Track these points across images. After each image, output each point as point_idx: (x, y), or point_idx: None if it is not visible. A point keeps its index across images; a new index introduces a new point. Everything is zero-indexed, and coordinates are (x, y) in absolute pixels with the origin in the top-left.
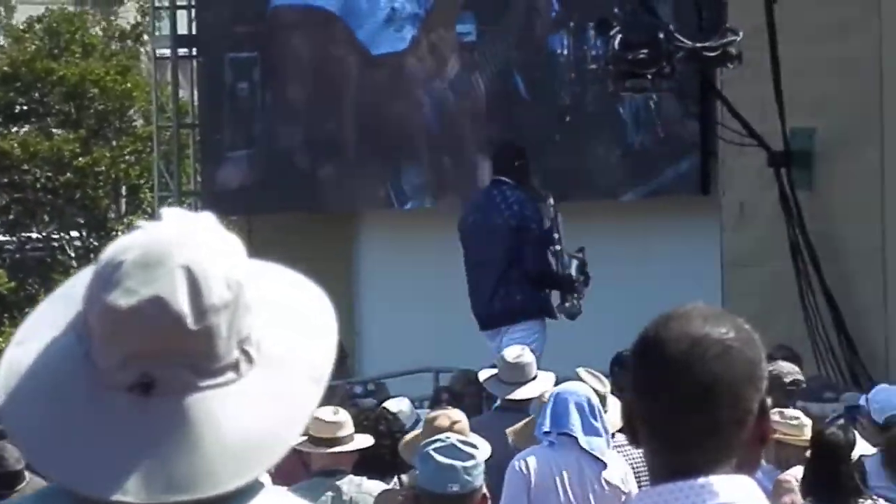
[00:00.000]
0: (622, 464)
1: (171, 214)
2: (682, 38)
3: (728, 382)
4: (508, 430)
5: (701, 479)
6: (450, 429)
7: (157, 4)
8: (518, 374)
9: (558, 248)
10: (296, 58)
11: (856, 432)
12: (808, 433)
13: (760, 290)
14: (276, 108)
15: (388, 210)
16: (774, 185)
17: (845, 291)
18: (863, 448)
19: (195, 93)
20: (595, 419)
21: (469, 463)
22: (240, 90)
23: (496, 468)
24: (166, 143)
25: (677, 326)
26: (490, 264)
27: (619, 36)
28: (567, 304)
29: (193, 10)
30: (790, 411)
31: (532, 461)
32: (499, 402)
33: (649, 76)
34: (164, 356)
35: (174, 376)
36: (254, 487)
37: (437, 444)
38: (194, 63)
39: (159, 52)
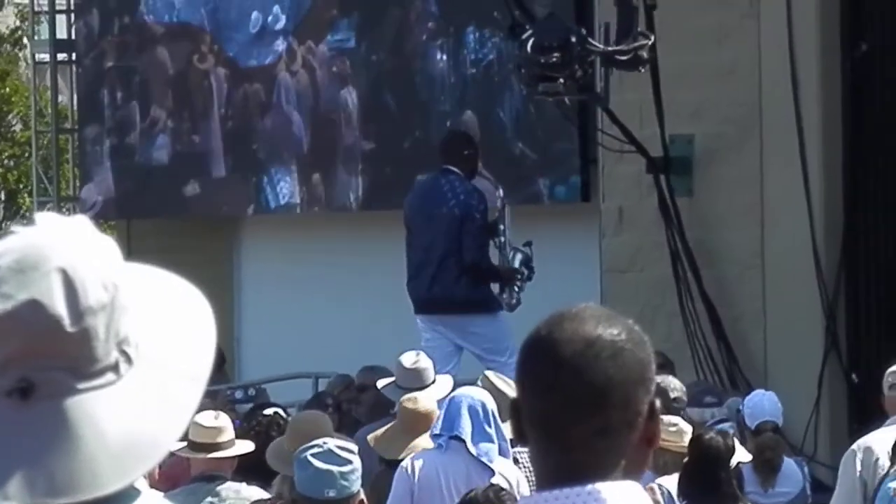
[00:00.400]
0: (513, 471)
1: (46, 218)
2: (594, 42)
3: (621, 384)
4: (369, 437)
5: (588, 486)
6: (316, 434)
7: (36, 9)
8: (415, 380)
9: (503, 239)
10: (168, 68)
11: (735, 438)
12: (686, 439)
13: (640, 295)
14: (150, 117)
15: (268, 215)
16: (654, 192)
17: (724, 298)
18: (741, 454)
19: (74, 98)
20: (488, 425)
21: (346, 468)
22: (116, 97)
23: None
24: (45, 148)
25: (571, 327)
26: (432, 251)
27: (532, 39)
28: (504, 296)
29: (73, 15)
30: (669, 417)
31: (419, 463)
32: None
33: (562, 80)
34: (43, 359)
35: (53, 379)
36: (130, 494)
37: (315, 450)
38: (73, 68)
39: (38, 56)
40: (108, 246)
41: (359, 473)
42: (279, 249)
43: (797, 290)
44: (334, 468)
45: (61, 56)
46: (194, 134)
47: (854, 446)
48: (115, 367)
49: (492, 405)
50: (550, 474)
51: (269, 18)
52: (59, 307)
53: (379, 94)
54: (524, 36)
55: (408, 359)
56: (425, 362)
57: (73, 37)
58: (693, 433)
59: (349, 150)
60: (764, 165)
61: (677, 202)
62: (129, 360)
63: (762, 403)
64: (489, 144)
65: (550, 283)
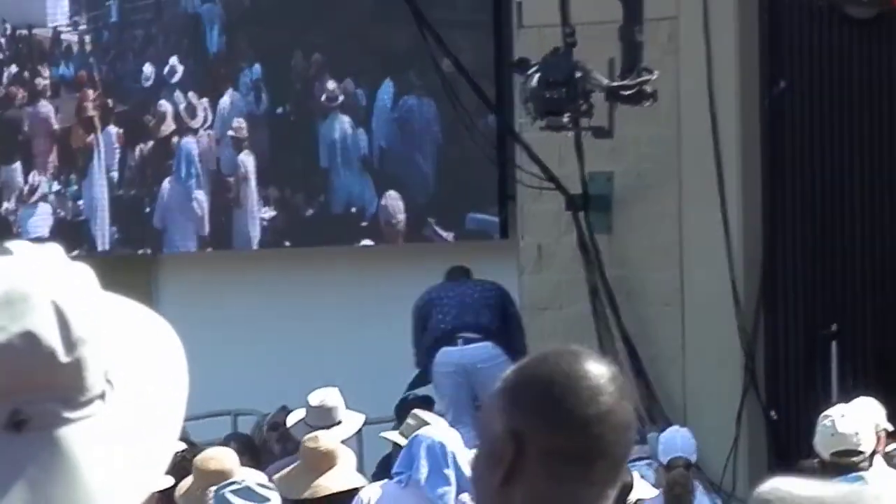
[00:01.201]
0: None
1: (21, 248)
2: (598, 77)
3: (634, 417)
4: (275, 476)
5: None
6: (222, 474)
7: None
8: (323, 418)
9: None
10: (52, 124)
11: (634, 474)
12: None
13: (559, 333)
14: (47, 165)
15: (188, 253)
16: (573, 229)
17: (644, 336)
18: (642, 490)
19: None
20: (447, 466)
21: None
22: (23, 141)
23: None
24: None
25: (586, 363)
26: (470, 317)
27: (538, 74)
28: None
29: None
30: None
31: (376, 494)
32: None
33: (566, 115)
34: (35, 392)
35: (46, 411)
36: None
37: (234, 487)
38: None
39: None
40: (86, 274)
41: None
42: (200, 286)
43: (716, 327)
44: None
45: None
46: (79, 199)
47: None
48: (102, 396)
49: (452, 446)
50: None
51: (166, 70)
52: (53, 339)
53: (298, 138)
54: (530, 71)
55: (315, 397)
56: (333, 401)
57: None
58: None
59: (254, 196)
60: (683, 203)
61: (596, 240)
62: (113, 388)
63: (674, 440)
64: (410, 183)
65: None
